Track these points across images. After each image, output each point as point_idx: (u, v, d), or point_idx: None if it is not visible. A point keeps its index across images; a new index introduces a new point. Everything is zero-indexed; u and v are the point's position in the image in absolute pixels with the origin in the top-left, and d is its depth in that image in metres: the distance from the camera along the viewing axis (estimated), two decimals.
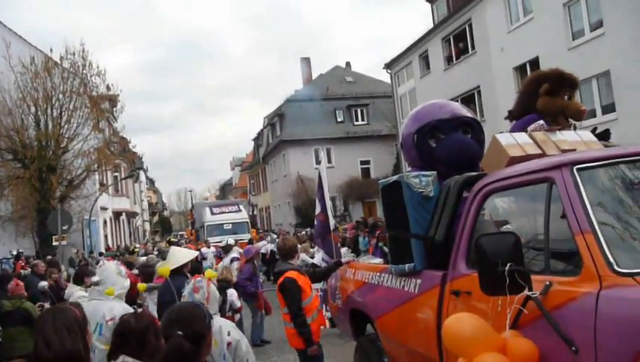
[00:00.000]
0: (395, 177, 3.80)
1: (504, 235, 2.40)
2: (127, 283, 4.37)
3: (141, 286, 5.64)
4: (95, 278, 4.48)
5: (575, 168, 2.48)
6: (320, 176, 6.14)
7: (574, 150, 3.24)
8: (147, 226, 63.28)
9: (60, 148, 21.61)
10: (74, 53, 21.71)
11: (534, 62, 16.87)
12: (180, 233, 54.24)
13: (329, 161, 34.36)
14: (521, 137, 3.40)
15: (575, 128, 3.84)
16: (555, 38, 16.39)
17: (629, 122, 13.57)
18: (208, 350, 2.23)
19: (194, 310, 2.27)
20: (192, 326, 2.09)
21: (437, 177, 3.72)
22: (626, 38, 14.03)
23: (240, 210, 25.84)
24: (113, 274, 4.35)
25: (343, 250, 11.66)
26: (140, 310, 3.52)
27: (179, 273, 5.31)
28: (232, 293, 6.44)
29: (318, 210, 6.11)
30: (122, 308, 3.88)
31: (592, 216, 2.28)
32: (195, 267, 6.91)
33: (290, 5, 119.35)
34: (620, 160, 2.56)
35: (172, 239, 24.90)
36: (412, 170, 4.18)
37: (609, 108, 15.05)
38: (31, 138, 21.27)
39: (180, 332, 2.01)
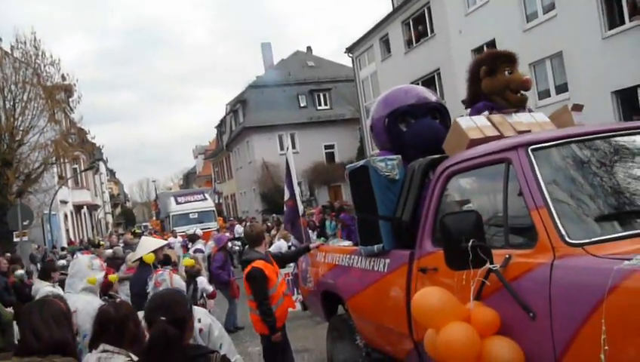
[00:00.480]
0: (362, 162, 3.94)
1: (467, 214, 2.56)
2: (98, 276, 4.36)
3: (112, 277, 5.64)
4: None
5: (530, 148, 2.66)
6: (287, 163, 6.22)
7: (529, 131, 3.43)
8: (109, 218, 61.98)
9: (15, 141, 20.85)
10: (25, 43, 20.92)
11: (491, 44, 17.28)
12: (144, 224, 53.41)
13: (293, 147, 34.35)
14: (480, 120, 3.56)
15: (530, 110, 4.03)
16: (511, 21, 16.83)
17: (581, 101, 13.99)
18: (191, 334, 2.32)
19: (175, 296, 2.36)
20: (175, 312, 2.17)
21: (402, 160, 3.89)
22: (577, 20, 14.54)
23: (205, 199, 25.67)
24: (84, 268, 4.34)
25: (310, 233, 11.81)
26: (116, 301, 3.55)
27: (147, 263, 5.33)
28: (202, 281, 6.49)
29: (286, 196, 6.19)
30: (85, 301, 3.89)
31: (545, 192, 2.47)
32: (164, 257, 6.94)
33: None
34: (572, 140, 2.75)
35: (136, 230, 24.52)
36: (381, 153, 4.32)
37: (562, 88, 15.63)
38: None
39: (164, 318, 2.09)
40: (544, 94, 16.22)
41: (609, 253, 2.12)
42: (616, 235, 2.31)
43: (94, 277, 4.11)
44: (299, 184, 34.79)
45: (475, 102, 4.05)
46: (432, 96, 4.41)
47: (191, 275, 6.20)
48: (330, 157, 34.33)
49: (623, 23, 13.72)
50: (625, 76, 13.52)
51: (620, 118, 13.80)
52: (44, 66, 21.53)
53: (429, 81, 21.83)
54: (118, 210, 74.68)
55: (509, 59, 4.06)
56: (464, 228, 2.48)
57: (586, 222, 2.43)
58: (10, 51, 20.94)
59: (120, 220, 67.15)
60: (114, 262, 8.22)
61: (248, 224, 8.15)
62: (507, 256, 2.51)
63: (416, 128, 4.08)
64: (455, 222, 2.51)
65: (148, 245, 5.79)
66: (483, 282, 2.52)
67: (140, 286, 5.07)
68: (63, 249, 21.26)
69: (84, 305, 3.88)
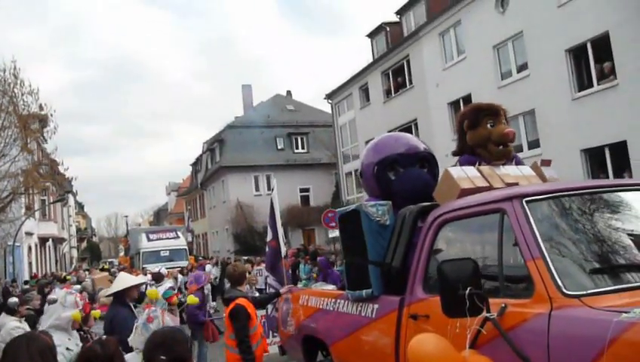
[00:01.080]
0: (353, 206, 3.98)
1: (464, 261, 2.61)
2: (66, 313, 4.18)
3: (95, 313, 5.45)
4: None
5: (524, 200, 2.75)
6: (272, 203, 6.23)
7: (517, 183, 3.55)
8: (75, 253, 60.09)
9: None
10: (4, 70, 20.69)
11: (467, 99, 17.92)
12: (110, 260, 51.87)
13: (269, 188, 34.38)
14: (470, 171, 3.68)
15: (517, 160, 4.17)
16: (486, 77, 17.54)
17: (552, 157, 14.51)
18: None
19: (176, 335, 2.31)
20: (175, 351, 2.12)
21: (392, 207, 3.95)
22: (549, 80, 15.26)
23: (178, 237, 25.22)
24: (56, 304, 4.20)
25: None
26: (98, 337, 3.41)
27: (121, 299, 5.16)
28: (167, 321, 6.32)
29: (269, 236, 6.18)
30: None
31: (541, 243, 2.54)
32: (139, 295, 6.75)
33: (231, 34, 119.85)
34: (565, 193, 2.86)
35: (104, 266, 23.78)
36: (370, 199, 4.39)
37: (534, 144, 16.19)
38: None
39: (163, 357, 2.04)
40: (517, 149, 16.51)
41: (606, 306, 2.19)
42: (611, 288, 2.38)
43: (77, 312, 3.97)
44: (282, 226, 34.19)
45: (461, 153, 4.19)
46: (420, 145, 4.53)
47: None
48: (305, 200, 34.37)
49: (591, 85, 14.45)
50: (593, 135, 14.13)
51: (589, 175, 14.33)
52: (22, 95, 21.27)
53: (407, 130, 22.29)
54: (84, 244, 72.59)
55: (492, 112, 4.20)
56: (461, 275, 2.52)
57: (580, 274, 2.51)
58: None
59: (85, 255, 65.20)
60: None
61: (231, 264, 7.99)
62: (503, 304, 2.55)
63: (404, 178, 4.18)
64: (453, 269, 2.55)
65: (126, 281, 5.64)
66: (479, 330, 2.54)
67: (119, 323, 4.91)
68: (26, 282, 20.40)
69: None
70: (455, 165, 3.98)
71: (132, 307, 5.48)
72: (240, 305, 5.02)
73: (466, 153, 4.13)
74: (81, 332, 4.35)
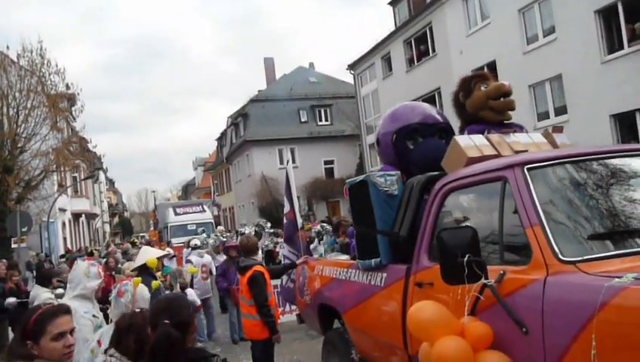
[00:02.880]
0: (361, 177, 4.01)
1: (463, 229, 2.62)
2: (92, 283, 4.36)
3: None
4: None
5: (526, 168, 2.73)
6: (287, 176, 6.29)
7: (526, 151, 3.50)
8: (107, 228, 61.86)
9: (17, 148, 20.95)
10: (31, 51, 21.11)
11: (492, 65, 17.49)
12: (142, 234, 53.28)
13: (293, 161, 34.46)
14: (479, 139, 3.64)
15: (521, 130, 4.12)
16: (511, 42, 17.05)
17: (580, 124, 14.28)
18: (192, 337, 2.37)
19: (180, 300, 2.41)
20: (179, 315, 2.22)
21: (403, 176, 3.96)
22: (577, 44, 14.74)
23: (204, 211, 25.66)
24: (80, 275, 4.38)
25: (314, 244, 11.96)
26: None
27: (145, 271, 5.38)
28: (190, 293, 6.54)
29: (286, 208, 6.26)
30: (73, 308, 3.92)
31: (540, 211, 2.54)
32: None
33: (254, 7, 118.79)
34: (566, 160, 2.83)
35: (135, 240, 24.45)
36: (385, 167, 4.41)
37: (561, 110, 15.78)
38: None
39: (167, 321, 2.15)
40: (543, 116, 16.38)
41: (600, 271, 2.18)
42: (608, 254, 2.37)
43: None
44: (297, 198, 34.58)
45: (467, 127, 4.17)
46: (437, 115, 4.51)
47: (180, 287, 6.25)
48: (330, 172, 34.42)
49: (622, 47, 13.92)
50: (623, 100, 13.67)
51: (618, 142, 13.94)
52: (49, 75, 21.72)
53: (430, 100, 22.00)
54: (116, 219, 74.62)
55: (482, 77, 4.24)
56: (460, 243, 2.53)
57: (578, 241, 2.50)
58: (16, 59, 21.12)
59: (117, 230, 67.08)
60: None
61: (244, 235, 8.23)
62: (501, 271, 2.56)
63: (423, 147, 4.20)
64: (451, 237, 2.57)
65: (148, 254, 5.85)
66: (477, 297, 2.57)
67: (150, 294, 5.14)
68: (62, 256, 21.18)
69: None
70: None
71: (156, 276, 5.70)
72: (258, 271, 5.23)
73: (471, 123, 4.10)
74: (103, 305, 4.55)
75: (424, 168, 3.92)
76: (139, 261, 5.84)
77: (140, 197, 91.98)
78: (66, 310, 2.41)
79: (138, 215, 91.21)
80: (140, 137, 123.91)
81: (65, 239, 31.30)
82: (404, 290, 3.49)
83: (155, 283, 4.76)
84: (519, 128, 4.18)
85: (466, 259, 2.49)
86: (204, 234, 17.54)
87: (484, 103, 4.07)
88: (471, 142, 3.60)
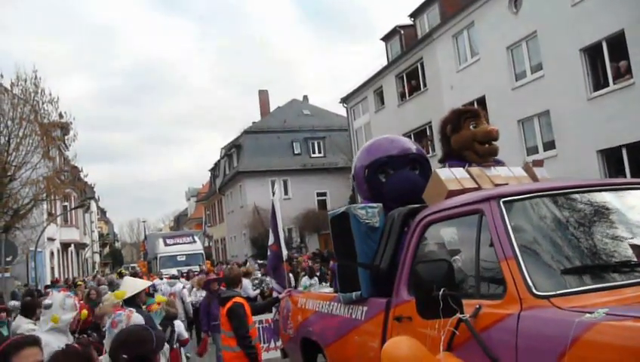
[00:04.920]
0: (343, 208, 3.99)
1: (439, 262, 2.60)
2: (67, 316, 4.26)
3: (83, 313, 5.56)
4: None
5: (502, 201, 2.73)
6: (273, 207, 6.26)
7: (507, 184, 3.52)
8: (97, 258, 61.08)
9: (7, 176, 20.82)
10: (25, 80, 21.22)
11: (481, 100, 17.75)
12: (132, 265, 52.62)
13: (286, 193, 34.52)
14: (459, 172, 3.66)
15: (500, 163, 4.12)
16: (500, 78, 17.37)
17: (568, 159, 14.44)
18: None
19: (140, 334, 2.33)
20: (137, 350, 2.15)
21: (383, 209, 3.95)
22: (564, 81, 15.03)
23: (194, 241, 25.46)
24: (55, 307, 4.29)
25: (305, 278, 11.83)
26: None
27: (132, 303, 5.27)
28: (178, 325, 6.38)
29: (271, 240, 6.21)
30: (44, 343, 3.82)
31: (514, 244, 2.52)
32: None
33: (252, 41, 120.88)
34: (543, 194, 2.83)
35: (123, 271, 24.13)
36: (363, 202, 4.40)
37: (549, 145, 15.96)
38: None
39: (125, 356, 2.08)
40: (532, 150, 16.54)
41: (573, 306, 2.16)
42: (582, 288, 2.35)
43: (57, 315, 4.05)
44: (289, 230, 34.43)
45: (447, 160, 4.18)
46: (411, 146, 4.52)
47: (168, 318, 6.10)
48: (322, 204, 34.38)
49: (607, 85, 14.20)
50: (610, 136, 13.86)
51: (606, 176, 14.06)
52: (42, 104, 21.78)
53: (421, 133, 22.26)
54: (107, 249, 73.77)
55: (473, 114, 4.20)
56: (436, 276, 2.51)
57: (553, 275, 2.48)
58: (9, 88, 21.21)
59: (108, 260, 66.28)
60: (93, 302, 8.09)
61: (227, 266, 8.15)
62: (477, 306, 2.53)
63: (394, 180, 4.17)
64: (427, 270, 2.54)
65: (132, 285, 5.74)
66: (453, 332, 2.53)
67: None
68: (47, 287, 20.80)
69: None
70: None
71: (141, 309, 5.58)
72: (237, 302, 5.11)
73: (452, 158, 4.11)
74: (76, 335, 4.44)
75: (396, 201, 3.91)
76: (130, 291, 5.73)
77: (131, 228, 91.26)
78: (32, 341, 2.35)
79: (129, 245, 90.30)
80: (135, 167, 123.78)
81: (52, 269, 30.81)
82: (384, 324, 3.44)
83: (158, 301, 4.62)
84: (499, 163, 4.20)
85: (441, 292, 2.46)
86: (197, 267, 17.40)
87: (469, 144, 4.06)
88: (451, 175, 3.61)
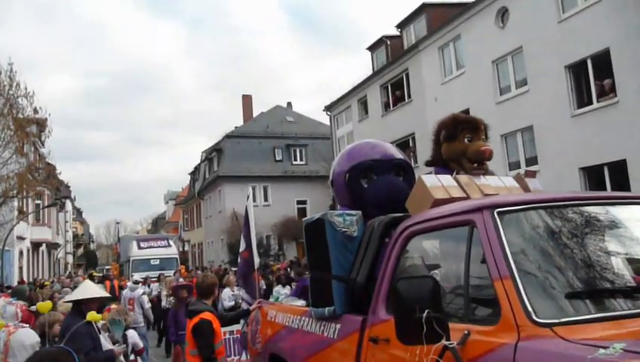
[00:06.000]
0: (318, 215, 3.64)
1: (422, 279, 2.26)
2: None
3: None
4: None
5: (496, 211, 2.40)
6: (247, 212, 5.89)
7: (497, 195, 3.20)
8: (70, 259, 59.60)
9: None
10: (0, 72, 20.51)
11: (465, 113, 17.59)
12: (107, 267, 51.37)
13: (265, 199, 34.05)
14: (446, 180, 3.34)
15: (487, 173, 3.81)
16: (485, 92, 17.28)
17: (551, 175, 14.30)
18: None
19: (57, 355, 1.96)
20: None
21: (363, 217, 3.61)
22: (548, 97, 14.97)
23: (169, 246, 24.79)
24: None
25: (277, 287, 11.39)
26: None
27: (78, 311, 4.80)
28: (132, 335, 5.95)
29: (242, 247, 5.83)
30: None
31: (511, 261, 2.19)
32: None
33: (239, 47, 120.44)
34: (544, 205, 2.51)
35: (94, 273, 23.34)
36: (341, 209, 4.05)
37: (532, 161, 15.86)
38: None
39: None
40: (515, 165, 16.43)
41: (581, 338, 1.83)
42: (590, 316, 2.03)
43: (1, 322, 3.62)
44: (267, 237, 33.98)
45: (434, 165, 3.87)
46: (399, 155, 4.20)
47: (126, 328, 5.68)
48: (302, 212, 33.91)
49: (591, 102, 14.15)
50: (592, 154, 13.79)
51: None
52: (17, 97, 21.06)
53: (404, 144, 22.06)
54: (81, 250, 72.17)
55: (472, 127, 3.85)
56: (419, 296, 2.16)
57: (555, 299, 2.14)
58: None
59: (81, 261, 64.79)
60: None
61: (202, 273, 7.68)
62: (466, 331, 2.19)
63: (378, 185, 3.83)
64: (409, 288, 2.19)
65: (89, 291, 5.28)
66: (437, 361, 2.18)
67: (73, 334, 4.57)
68: (8, 287, 19.96)
69: None
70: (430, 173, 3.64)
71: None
72: (205, 319, 4.69)
73: (439, 165, 3.80)
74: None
75: (380, 207, 3.58)
76: (75, 295, 5.28)
77: (108, 229, 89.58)
78: None
79: (105, 247, 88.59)
80: (115, 168, 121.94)
81: (21, 268, 29.79)
82: (358, 345, 3.08)
83: (93, 316, 4.17)
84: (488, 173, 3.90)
85: (424, 314, 2.11)
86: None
87: (458, 157, 3.74)
88: (438, 183, 3.29)
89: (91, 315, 4.05)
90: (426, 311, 2.12)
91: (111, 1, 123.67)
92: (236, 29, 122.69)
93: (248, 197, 6.06)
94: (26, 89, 21.00)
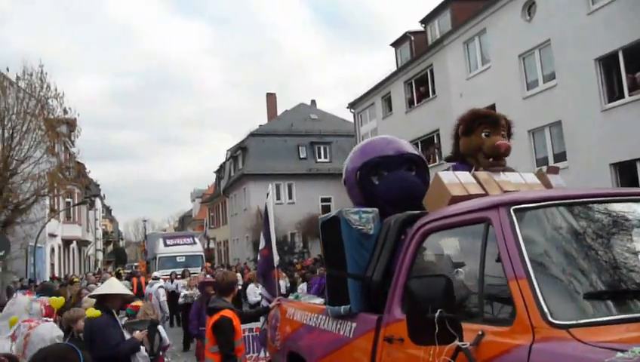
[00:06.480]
0: (333, 212, 3.60)
1: (435, 279, 2.20)
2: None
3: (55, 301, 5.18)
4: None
5: (512, 208, 2.33)
6: (266, 210, 5.90)
7: (517, 192, 3.12)
8: (100, 256, 60.94)
9: (8, 170, 20.60)
10: (32, 74, 21.04)
11: (491, 109, 17.27)
12: (135, 264, 52.39)
13: (290, 197, 34.17)
14: (464, 176, 3.26)
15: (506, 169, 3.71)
16: (511, 87, 16.93)
17: (580, 171, 13.96)
18: None
19: (63, 353, 1.97)
20: None
21: (379, 215, 3.55)
22: (577, 91, 14.57)
23: (195, 243, 25.07)
24: (20, 310, 3.94)
25: (302, 285, 11.42)
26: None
27: (102, 306, 4.88)
28: (161, 330, 6.02)
29: (262, 244, 5.84)
30: (8, 349, 3.44)
31: (527, 260, 2.12)
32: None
33: (263, 44, 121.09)
34: (561, 202, 2.42)
35: (121, 271, 23.79)
36: (357, 207, 4.00)
37: (561, 157, 15.48)
38: None
39: None
40: (542, 161, 16.07)
41: (599, 340, 1.75)
42: (608, 318, 1.94)
43: (16, 317, 3.69)
44: (292, 235, 34.03)
45: (454, 160, 3.79)
46: (412, 150, 4.12)
47: (152, 323, 5.75)
48: (326, 210, 33.87)
49: (622, 96, 13.72)
50: (624, 149, 13.38)
51: None
52: (47, 99, 21.58)
53: (429, 141, 21.85)
54: (110, 247, 73.71)
55: (490, 121, 3.77)
56: (432, 295, 2.11)
57: (572, 299, 2.06)
58: (15, 81, 21.03)
59: (111, 258, 66.17)
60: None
61: (221, 271, 7.75)
62: (480, 332, 2.13)
63: (388, 181, 3.77)
64: (422, 287, 2.14)
65: (111, 287, 5.37)
66: None
67: (98, 329, 4.66)
68: (36, 285, 20.51)
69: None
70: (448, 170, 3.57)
71: (114, 314, 5.21)
72: (225, 317, 4.69)
73: (458, 160, 3.72)
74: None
75: (392, 204, 3.51)
76: (99, 290, 5.37)
77: (136, 227, 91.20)
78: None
79: (134, 244, 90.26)
80: (143, 167, 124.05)
81: (53, 265, 30.58)
82: (373, 344, 3.04)
83: (91, 312, 4.22)
84: (508, 169, 3.80)
85: (437, 314, 2.06)
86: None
87: (474, 152, 3.69)
88: (455, 179, 3.22)
89: (89, 311, 4.14)
90: (439, 311, 2.07)
91: (138, 3, 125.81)
92: (260, 26, 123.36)
93: (268, 195, 6.06)
94: (56, 90, 21.50)
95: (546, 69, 16.11)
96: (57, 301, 4.02)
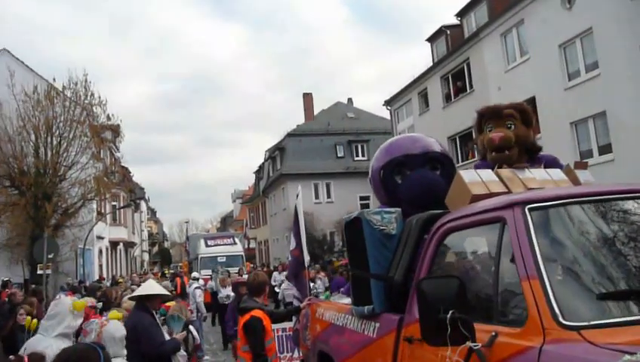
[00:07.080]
0: (355, 213, 3.62)
1: (447, 279, 2.19)
2: (77, 322, 4.12)
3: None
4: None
5: (527, 208, 2.28)
6: (296, 210, 5.95)
7: (541, 189, 3.05)
8: (146, 256, 62.79)
9: (57, 176, 21.56)
10: (76, 83, 21.94)
11: (531, 102, 16.82)
12: (179, 264, 53.74)
13: (328, 196, 34.25)
14: (486, 174, 3.22)
15: (547, 165, 3.63)
16: (552, 78, 16.42)
17: (627, 164, 13.40)
18: None
19: (84, 352, 2.07)
20: None
21: (402, 215, 3.55)
22: (622, 80, 14.00)
23: (235, 243, 25.54)
24: (65, 311, 4.13)
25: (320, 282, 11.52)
26: None
27: (142, 306, 5.06)
28: (193, 330, 6.19)
29: (292, 245, 5.89)
30: (56, 348, 3.61)
31: (540, 261, 2.08)
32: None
33: (301, 44, 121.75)
34: (578, 200, 2.36)
35: (166, 271, 24.50)
36: (380, 207, 4.01)
37: (606, 149, 14.92)
38: (29, 165, 21.30)
39: None
40: (586, 154, 15.52)
41: (609, 342, 1.71)
42: (620, 320, 1.88)
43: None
44: (331, 234, 34.02)
45: (481, 159, 3.76)
46: (437, 148, 4.09)
47: (186, 324, 5.93)
48: (365, 208, 33.78)
49: None
50: None
51: None
52: (92, 106, 22.44)
53: (467, 137, 21.44)
54: (156, 248, 75.83)
55: (492, 116, 3.73)
56: (444, 295, 2.10)
57: (585, 301, 2.01)
58: (62, 90, 21.98)
59: (156, 259, 68.08)
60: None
61: (254, 271, 7.90)
62: (493, 333, 2.11)
63: (410, 180, 3.75)
64: (434, 288, 2.14)
65: (151, 288, 5.55)
66: None
67: (143, 330, 4.82)
68: (84, 286, 21.36)
69: (55, 351, 3.64)
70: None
71: (154, 314, 5.39)
72: (256, 317, 4.76)
73: (482, 159, 3.68)
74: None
75: (414, 203, 3.49)
76: (138, 291, 5.56)
77: (180, 228, 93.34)
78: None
79: (178, 245, 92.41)
80: (186, 169, 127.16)
81: (101, 266, 31.75)
82: (395, 344, 3.04)
83: (113, 315, 4.38)
84: (551, 161, 3.71)
85: (449, 315, 2.05)
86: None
87: (485, 149, 3.68)
88: (477, 178, 3.18)
89: (111, 314, 4.30)
90: (451, 312, 2.06)
91: (179, 9, 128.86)
92: (297, 26, 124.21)
93: (297, 196, 6.12)
94: (99, 98, 22.34)
95: (588, 58, 15.55)
96: (80, 304, 4.21)
